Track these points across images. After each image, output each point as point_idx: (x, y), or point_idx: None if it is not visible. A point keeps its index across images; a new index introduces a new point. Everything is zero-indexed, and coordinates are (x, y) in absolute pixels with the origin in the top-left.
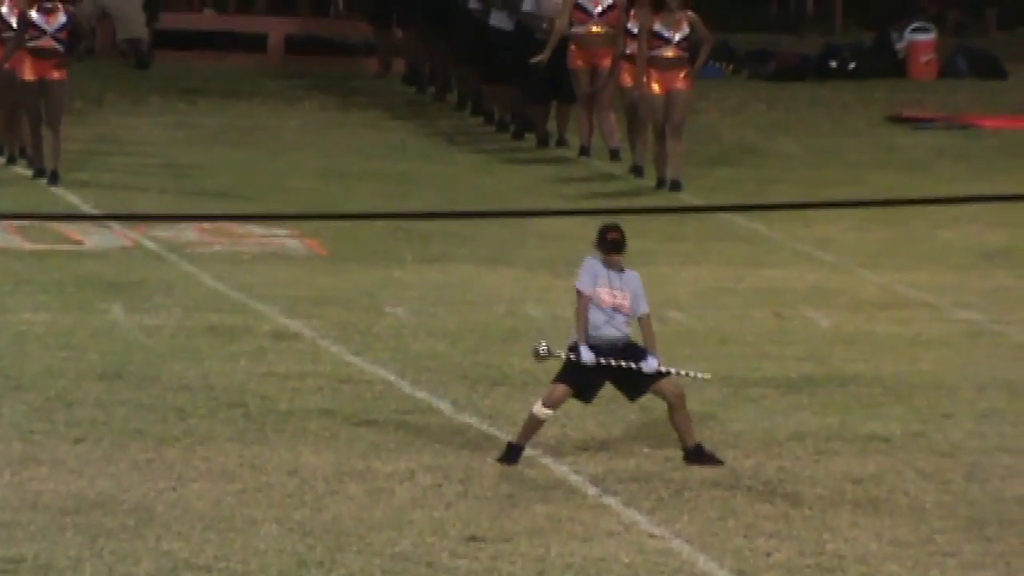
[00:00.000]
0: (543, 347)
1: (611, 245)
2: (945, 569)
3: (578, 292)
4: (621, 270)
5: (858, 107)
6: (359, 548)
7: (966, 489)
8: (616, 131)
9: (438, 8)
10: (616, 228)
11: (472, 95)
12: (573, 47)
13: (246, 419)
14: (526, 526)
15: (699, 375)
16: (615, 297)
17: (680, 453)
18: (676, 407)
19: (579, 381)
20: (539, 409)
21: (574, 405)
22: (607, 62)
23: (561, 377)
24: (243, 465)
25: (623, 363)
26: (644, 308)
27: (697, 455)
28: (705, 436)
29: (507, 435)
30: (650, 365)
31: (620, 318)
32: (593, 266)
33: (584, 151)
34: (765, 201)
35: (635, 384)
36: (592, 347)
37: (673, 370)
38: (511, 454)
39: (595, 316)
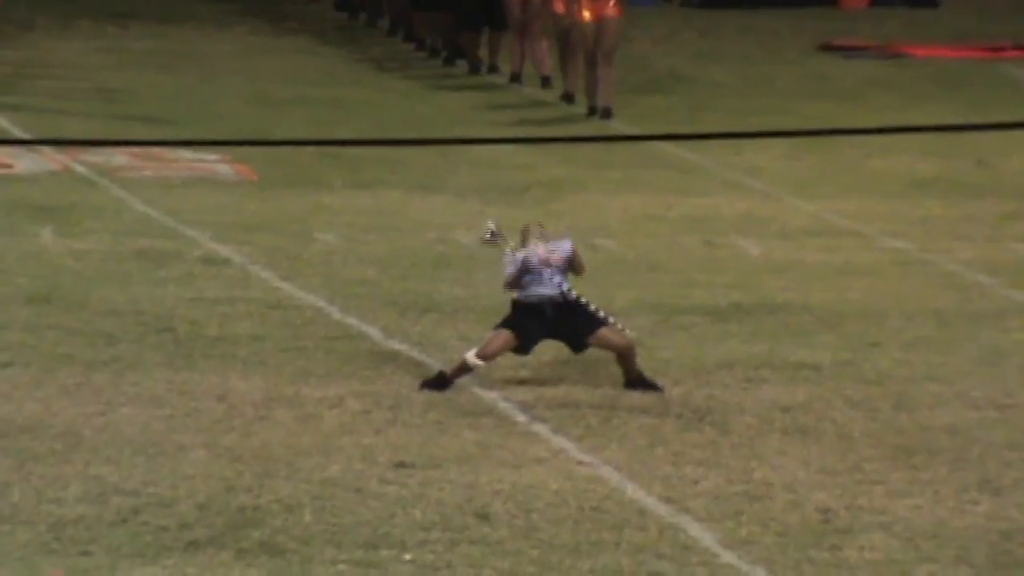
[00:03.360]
0: (491, 228)
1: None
2: (872, 497)
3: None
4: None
5: (789, 36)
6: (287, 474)
7: (894, 417)
8: (547, 59)
9: None
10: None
11: (403, 21)
12: None
13: (175, 344)
14: (455, 453)
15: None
16: (551, 253)
17: (607, 380)
18: (628, 358)
19: (521, 332)
20: (472, 359)
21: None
22: None
23: (503, 325)
24: (172, 390)
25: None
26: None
27: (639, 383)
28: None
29: (436, 362)
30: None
31: (555, 277)
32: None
33: (516, 78)
34: (695, 130)
35: (578, 337)
36: (528, 306)
37: (611, 318)
38: (438, 382)
39: (528, 276)
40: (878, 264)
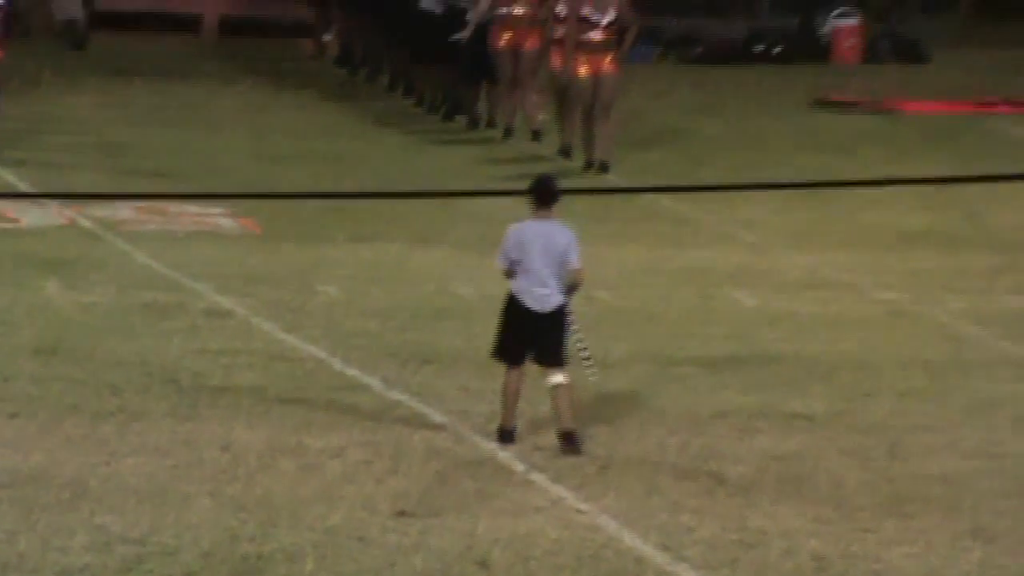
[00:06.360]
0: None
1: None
2: (866, 545)
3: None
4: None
5: (783, 91)
6: (291, 523)
7: (887, 467)
8: (538, 112)
9: None
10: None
11: (403, 76)
12: (496, 28)
13: (179, 395)
14: (455, 502)
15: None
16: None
17: (606, 431)
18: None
19: (507, 354)
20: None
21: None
22: (529, 43)
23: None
24: (176, 440)
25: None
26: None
27: (565, 439)
28: (631, 413)
29: (437, 412)
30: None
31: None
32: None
33: (508, 132)
34: (691, 183)
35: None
36: (519, 312)
37: (584, 353)
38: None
39: (519, 283)
40: (870, 316)
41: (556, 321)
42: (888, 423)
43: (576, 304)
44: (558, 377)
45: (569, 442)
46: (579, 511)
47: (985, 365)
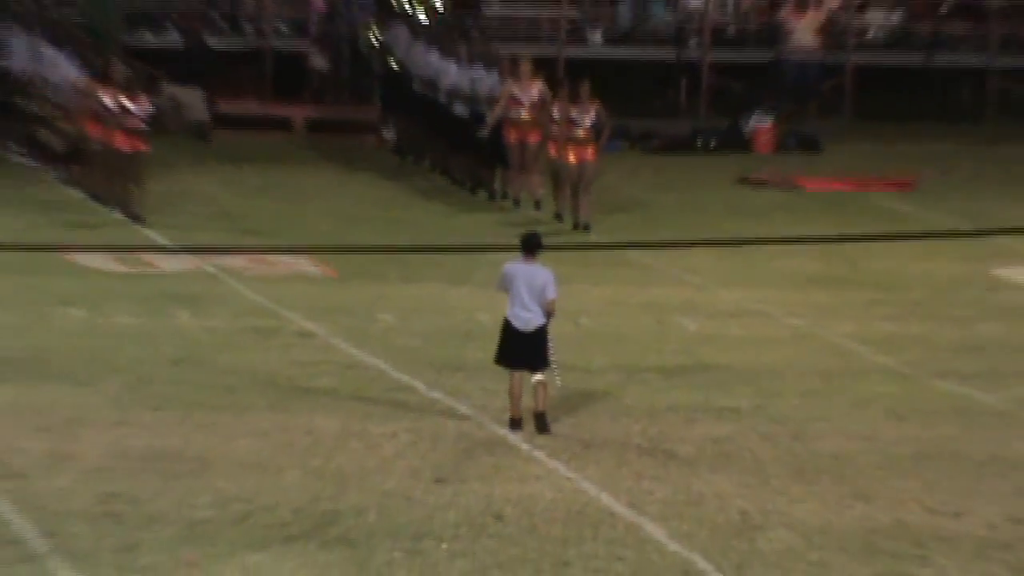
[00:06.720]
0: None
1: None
2: (777, 503)
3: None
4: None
5: (717, 173)
6: (357, 487)
7: (792, 446)
8: (539, 188)
9: (419, 102)
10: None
11: (440, 162)
12: (507, 127)
13: (276, 393)
14: (478, 472)
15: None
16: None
17: (587, 419)
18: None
19: (503, 359)
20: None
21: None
22: (533, 138)
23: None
24: (274, 427)
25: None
26: (551, 294)
27: (540, 421)
28: (606, 407)
29: (464, 406)
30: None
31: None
32: (510, 271)
33: (516, 202)
34: (650, 240)
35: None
36: (510, 330)
37: (554, 365)
38: (513, 425)
39: (510, 309)
40: (781, 336)
41: (538, 337)
42: (793, 415)
43: (563, 327)
44: (538, 376)
45: (541, 421)
46: (568, 479)
47: (864, 372)
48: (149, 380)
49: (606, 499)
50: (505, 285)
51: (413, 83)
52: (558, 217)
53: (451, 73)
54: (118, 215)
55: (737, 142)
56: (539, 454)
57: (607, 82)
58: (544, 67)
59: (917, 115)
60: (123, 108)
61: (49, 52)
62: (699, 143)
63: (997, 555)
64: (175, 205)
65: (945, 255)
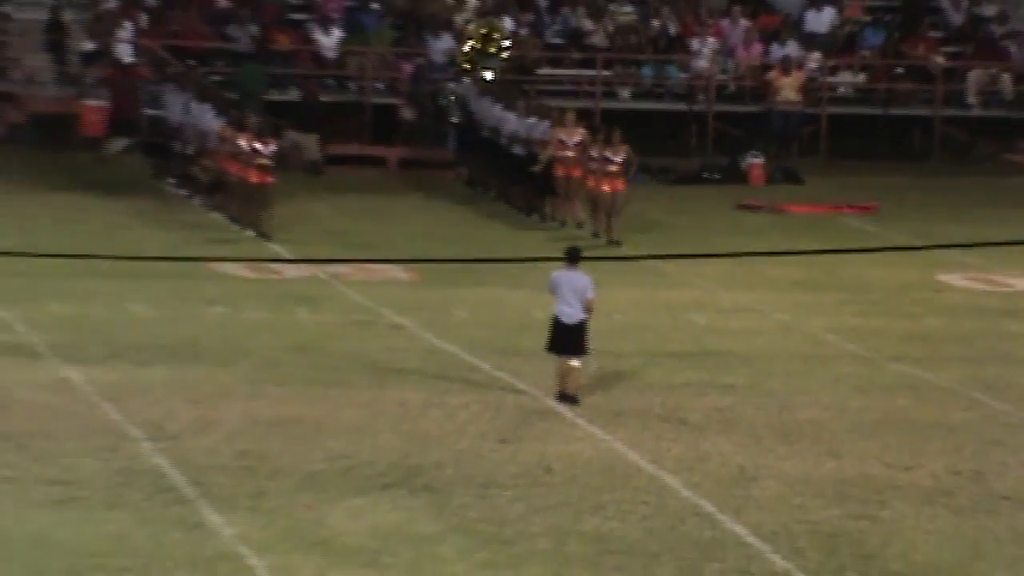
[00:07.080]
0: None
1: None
2: (767, 460)
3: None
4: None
5: (721, 199)
6: (438, 447)
7: (779, 414)
8: (580, 212)
9: (486, 144)
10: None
11: (503, 192)
12: (556, 164)
13: (373, 373)
14: (533, 434)
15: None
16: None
17: (618, 393)
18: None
19: (553, 347)
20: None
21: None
22: (576, 172)
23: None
24: (372, 399)
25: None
26: (590, 294)
27: (564, 397)
28: (632, 384)
29: (522, 383)
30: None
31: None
32: (557, 276)
33: (562, 224)
34: (668, 252)
35: (571, 348)
36: (558, 324)
37: (591, 352)
38: (567, 399)
39: (557, 306)
40: (771, 328)
41: (579, 329)
42: (780, 390)
43: (599, 322)
44: (575, 362)
45: (570, 400)
46: (603, 440)
47: (836, 357)
48: (275, 363)
49: (632, 456)
50: (553, 288)
51: (481, 130)
52: (595, 235)
53: (511, 121)
54: (250, 233)
55: (736, 176)
56: (580, 421)
57: (633, 129)
58: (584, 117)
59: (878, 155)
60: (254, 149)
61: (196, 106)
62: (705, 176)
63: (941, 500)
64: (295, 226)
65: (900, 264)
